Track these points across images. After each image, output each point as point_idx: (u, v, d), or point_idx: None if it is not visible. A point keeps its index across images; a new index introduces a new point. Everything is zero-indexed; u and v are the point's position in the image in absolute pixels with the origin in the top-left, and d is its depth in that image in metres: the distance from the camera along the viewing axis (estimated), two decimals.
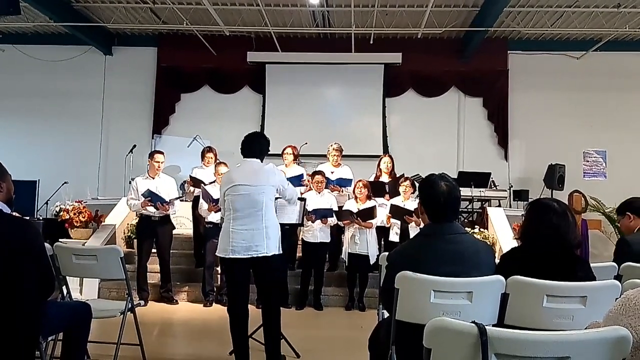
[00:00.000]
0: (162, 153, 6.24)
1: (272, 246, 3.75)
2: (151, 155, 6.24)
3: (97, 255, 3.65)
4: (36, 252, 2.60)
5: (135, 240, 7.28)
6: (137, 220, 6.46)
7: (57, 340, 3.29)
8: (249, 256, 3.70)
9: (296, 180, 6.24)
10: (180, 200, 6.64)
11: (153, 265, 6.42)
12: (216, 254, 4.05)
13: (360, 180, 6.40)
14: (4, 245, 2.47)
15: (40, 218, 7.38)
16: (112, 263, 3.59)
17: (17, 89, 10.83)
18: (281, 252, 3.88)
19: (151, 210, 6.03)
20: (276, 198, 4.02)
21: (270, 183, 3.83)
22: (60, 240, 5.67)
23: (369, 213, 6.10)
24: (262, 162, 3.91)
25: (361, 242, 6.12)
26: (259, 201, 3.75)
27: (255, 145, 3.92)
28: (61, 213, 6.91)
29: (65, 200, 7.23)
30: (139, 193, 6.02)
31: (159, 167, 6.14)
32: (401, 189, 6.35)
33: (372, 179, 6.82)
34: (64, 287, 3.66)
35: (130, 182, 8.87)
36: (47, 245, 3.07)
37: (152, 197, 5.92)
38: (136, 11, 9.72)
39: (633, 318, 1.47)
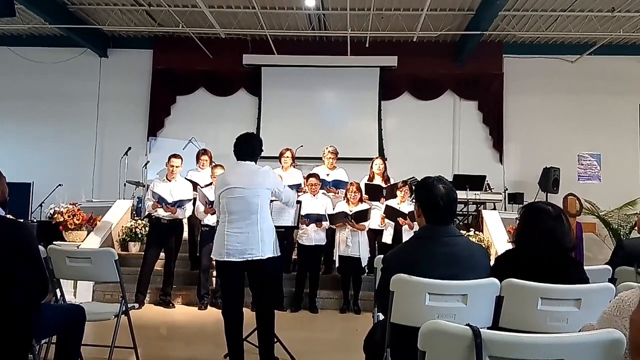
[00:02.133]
0: (179, 157, 6.31)
1: (266, 249, 3.72)
2: (168, 158, 6.35)
3: (91, 258, 3.64)
4: (31, 254, 2.59)
5: (130, 243, 7.28)
6: (150, 222, 6.59)
7: (51, 344, 3.27)
8: (244, 259, 3.67)
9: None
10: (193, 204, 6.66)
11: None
12: (211, 256, 4.03)
13: (352, 184, 6.40)
14: (3, 247, 2.46)
15: (34, 220, 7.36)
16: (106, 266, 3.58)
17: (11, 91, 10.79)
18: (279, 254, 3.86)
19: (161, 212, 6.11)
20: (272, 201, 4.00)
21: (265, 186, 3.78)
22: (54, 242, 5.65)
23: (363, 215, 6.12)
24: (256, 163, 3.88)
25: (353, 244, 6.13)
26: (254, 204, 3.72)
27: (247, 147, 3.86)
28: (55, 215, 6.88)
29: (59, 203, 7.21)
30: (153, 195, 6.12)
31: (172, 170, 6.22)
32: (399, 193, 6.34)
33: (365, 180, 6.83)
34: (57, 290, 3.63)
35: (125, 185, 8.95)
36: (40, 247, 3.06)
37: (159, 200, 6.02)
38: (132, 13, 9.71)
39: (627, 319, 1.47)
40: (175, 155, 6.32)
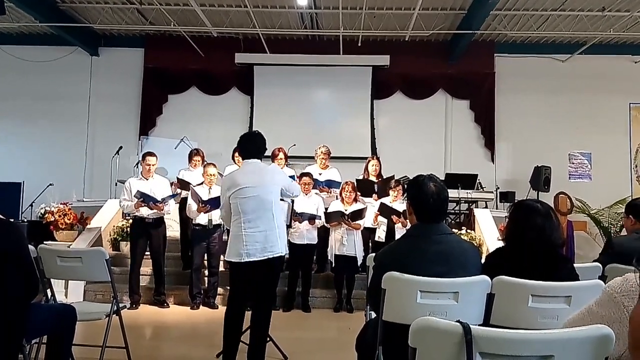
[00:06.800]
0: (154, 155, 6.24)
1: (282, 246, 3.77)
2: (143, 157, 6.28)
3: (82, 258, 3.61)
4: (21, 254, 2.57)
5: (121, 243, 7.24)
6: (130, 222, 6.48)
7: (41, 344, 3.25)
8: (265, 257, 3.68)
9: None
10: (175, 202, 6.62)
11: (145, 267, 6.38)
12: (226, 259, 3.94)
13: (347, 183, 6.40)
14: None
15: (25, 220, 7.31)
16: (97, 265, 3.56)
17: (1, 90, 10.70)
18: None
19: (144, 211, 6.03)
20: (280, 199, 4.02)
21: (275, 182, 3.83)
22: (44, 242, 5.61)
23: (359, 214, 6.12)
24: (261, 161, 3.91)
25: (349, 243, 6.13)
26: (269, 201, 3.74)
27: (253, 146, 3.90)
28: (46, 215, 6.83)
29: (50, 203, 7.16)
30: (132, 194, 6.01)
31: (149, 169, 6.16)
32: (392, 192, 6.35)
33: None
34: (48, 290, 3.61)
35: (116, 184, 8.90)
36: (31, 247, 3.03)
37: (144, 198, 5.92)
38: (123, 12, 9.66)
39: (627, 299, 1.48)
40: (150, 154, 6.27)
